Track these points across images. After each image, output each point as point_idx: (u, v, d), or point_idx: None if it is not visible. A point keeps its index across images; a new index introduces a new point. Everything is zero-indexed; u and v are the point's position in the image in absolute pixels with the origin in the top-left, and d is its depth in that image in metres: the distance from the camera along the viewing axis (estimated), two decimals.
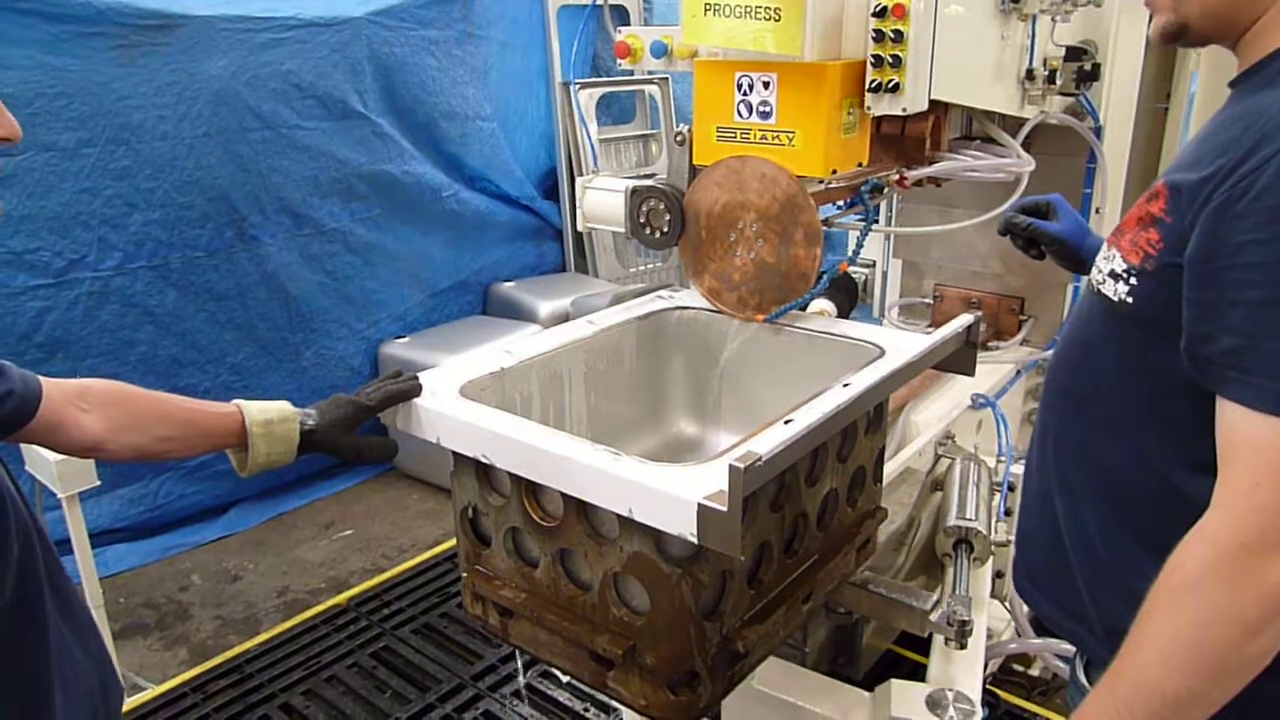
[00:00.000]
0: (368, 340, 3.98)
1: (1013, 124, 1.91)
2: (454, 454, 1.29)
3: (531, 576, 1.29)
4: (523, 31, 4.53)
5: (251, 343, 3.56)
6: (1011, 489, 2.09)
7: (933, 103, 1.53)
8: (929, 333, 1.48)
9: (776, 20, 1.38)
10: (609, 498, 1.08)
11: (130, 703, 2.54)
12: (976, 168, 1.76)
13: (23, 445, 2.11)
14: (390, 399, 1.29)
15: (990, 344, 2.39)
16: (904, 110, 1.47)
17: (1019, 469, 2.07)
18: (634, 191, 1.64)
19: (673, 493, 1.01)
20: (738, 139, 1.50)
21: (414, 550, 3.44)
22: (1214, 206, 0.91)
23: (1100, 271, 1.11)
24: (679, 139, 1.59)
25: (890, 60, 1.44)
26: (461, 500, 1.34)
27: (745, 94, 1.48)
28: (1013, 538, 1.75)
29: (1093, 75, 2.06)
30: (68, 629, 1.05)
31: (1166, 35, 1.09)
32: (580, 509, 1.17)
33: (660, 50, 1.67)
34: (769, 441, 1.04)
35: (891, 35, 1.43)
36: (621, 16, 4.77)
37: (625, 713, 1.83)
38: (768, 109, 1.46)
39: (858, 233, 1.66)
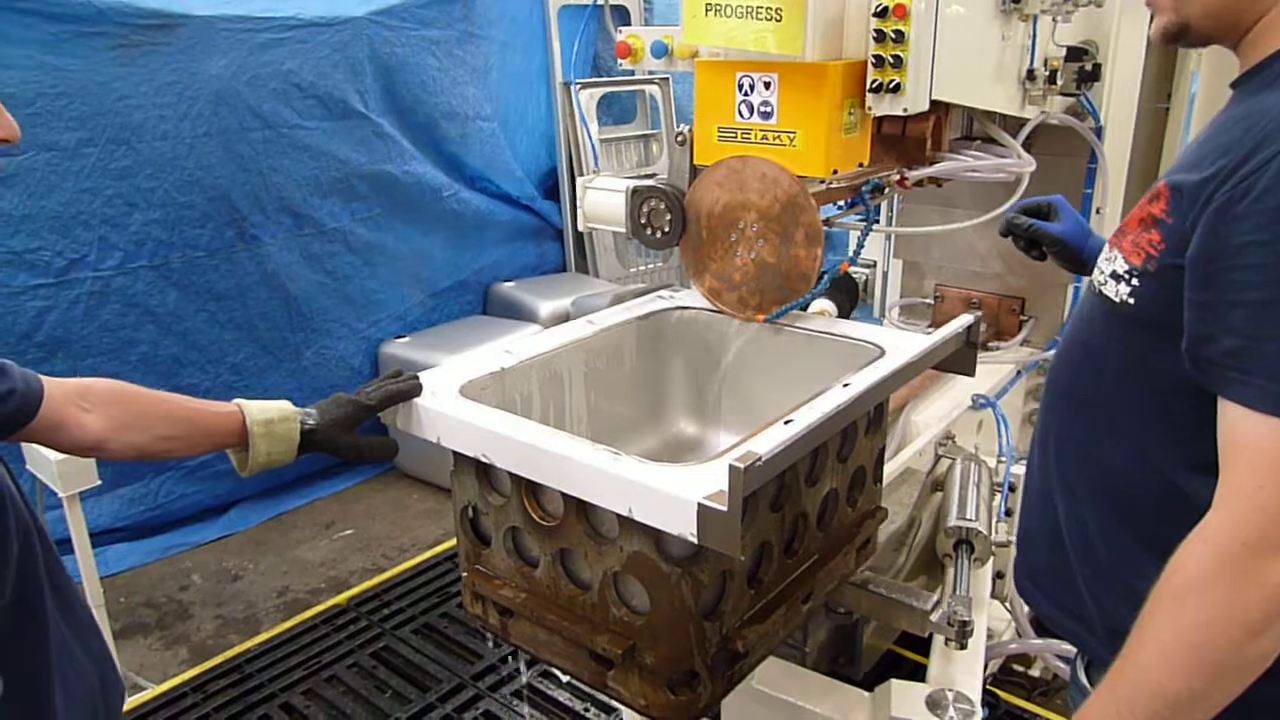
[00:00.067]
0: (368, 340, 3.98)
1: (1013, 124, 1.91)
2: (454, 453, 1.29)
3: (531, 576, 1.29)
4: (523, 31, 4.53)
5: (252, 342, 3.57)
6: (1012, 489, 2.09)
7: (933, 103, 1.53)
8: (929, 333, 1.48)
9: (777, 20, 1.38)
10: (609, 497, 1.08)
11: (131, 702, 2.54)
12: (977, 168, 1.76)
13: (24, 444, 2.12)
14: (390, 398, 1.29)
15: (991, 344, 2.39)
16: (905, 110, 1.47)
17: (1019, 469, 2.07)
18: (635, 191, 1.64)
19: (673, 492, 1.01)
20: (739, 139, 1.50)
21: (414, 550, 3.44)
22: (1215, 207, 0.91)
23: (1102, 273, 1.11)
24: (680, 139, 1.59)
25: (891, 60, 1.44)
26: (461, 500, 1.34)
27: (746, 94, 1.48)
28: (1013, 538, 1.75)
29: (1093, 75, 2.06)
30: (68, 628, 1.05)
31: (1168, 36, 1.09)
32: (580, 509, 1.17)
33: (661, 50, 1.67)
34: (769, 441, 1.04)
35: (892, 35, 1.43)
36: (622, 16, 4.78)
37: (625, 712, 1.83)
38: (769, 109, 1.46)
39: (858, 233, 1.66)
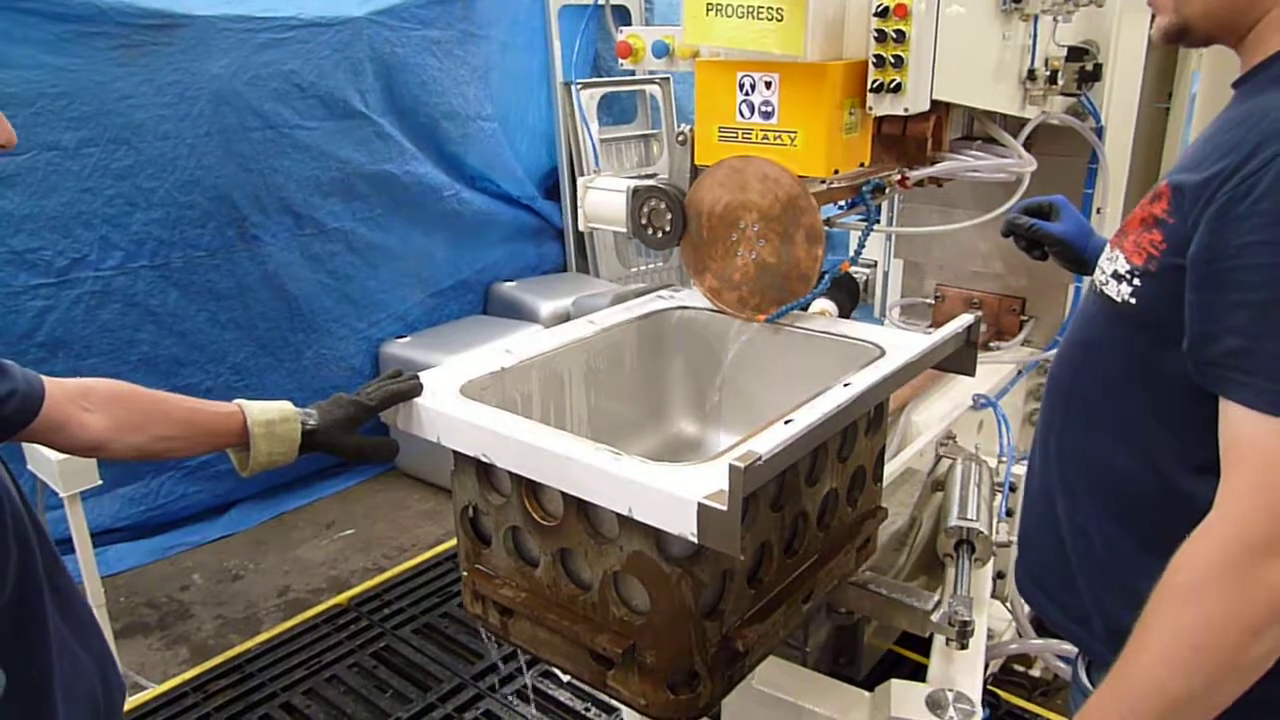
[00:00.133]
0: (369, 340, 3.98)
1: (1014, 124, 1.91)
2: (454, 453, 1.29)
3: (531, 576, 1.29)
4: (524, 31, 4.53)
5: (252, 342, 3.57)
6: (1013, 489, 2.09)
7: (934, 103, 1.53)
8: (930, 333, 1.48)
9: (778, 20, 1.38)
10: (609, 497, 1.08)
11: (131, 702, 2.55)
12: (978, 168, 1.76)
13: (25, 444, 2.12)
14: (391, 398, 1.29)
15: (991, 344, 2.39)
16: (906, 110, 1.47)
17: (1020, 469, 2.07)
18: (635, 191, 1.64)
19: (673, 492, 1.01)
20: (739, 139, 1.50)
21: (415, 550, 3.44)
22: (1216, 207, 0.91)
23: (1103, 273, 1.11)
24: (680, 139, 1.59)
25: (892, 60, 1.44)
26: (462, 499, 1.34)
27: (747, 94, 1.48)
28: (1014, 538, 1.75)
29: (1094, 75, 2.06)
30: (68, 628, 1.06)
31: (1169, 36, 1.09)
32: (580, 508, 1.17)
33: (662, 50, 1.67)
34: (769, 441, 1.04)
35: (893, 35, 1.43)
36: (623, 16, 4.77)
37: (625, 712, 1.83)
38: (769, 109, 1.46)
39: (859, 233, 1.66)
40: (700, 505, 0.98)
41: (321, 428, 1.27)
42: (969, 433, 2.24)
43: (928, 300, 2.57)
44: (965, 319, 1.48)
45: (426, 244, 4.16)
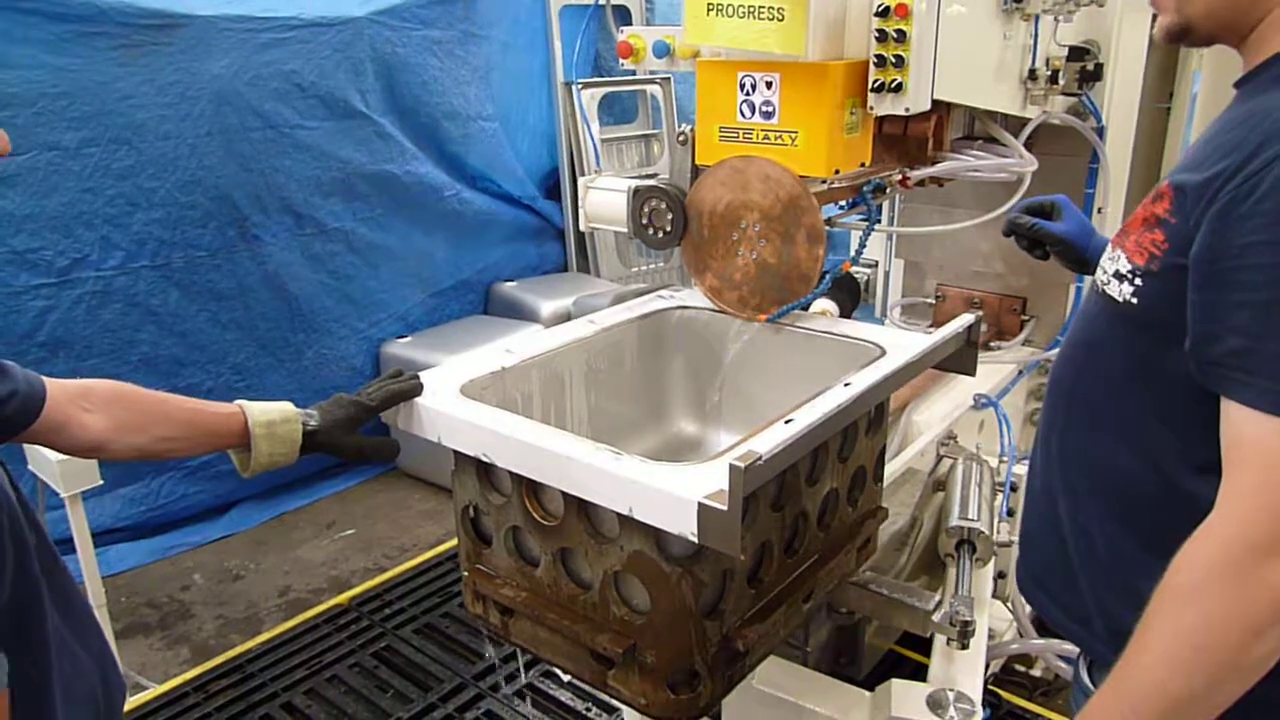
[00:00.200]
0: (369, 340, 3.98)
1: (1015, 124, 1.91)
2: (455, 453, 1.29)
3: (532, 575, 1.29)
4: (524, 31, 4.53)
5: (253, 342, 3.57)
6: (1014, 489, 2.09)
7: (935, 102, 1.53)
8: (930, 333, 1.48)
9: (779, 20, 1.38)
10: (609, 497, 1.08)
11: (132, 702, 2.55)
12: (979, 168, 1.75)
13: (25, 445, 2.12)
14: (392, 398, 1.29)
15: (992, 344, 2.39)
16: (906, 110, 1.47)
17: (1021, 469, 2.07)
18: (636, 191, 1.64)
19: (673, 492, 1.01)
20: (740, 139, 1.50)
21: (415, 550, 3.44)
22: (1219, 207, 0.91)
23: (1105, 272, 1.10)
24: (681, 139, 1.59)
25: (893, 60, 1.44)
26: (462, 499, 1.34)
27: (748, 94, 1.48)
28: (1015, 538, 1.75)
29: (1095, 75, 2.06)
30: (67, 628, 1.05)
31: (1171, 35, 1.09)
32: (581, 508, 1.17)
33: (662, 50, 1.67)
34: (769, 441, 1.04)
35: (894, 35, 1.43)
36: (624, 16, 4.77)
37: (626, 712, 1.83)
38: (770, 109, 1.46)
39: (860, 232, 1.66)
40: (700, 505, 0.98)
41: (322, 428, 1.27)
42: (970, 432, 2.24)
43: (929, 300, 2.57)
44: (966, 319, 1.48)
45: (427, 244, 4.16)
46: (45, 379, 1.10)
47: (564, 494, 1.17)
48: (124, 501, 3.35)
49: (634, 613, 1.18)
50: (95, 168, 3.02)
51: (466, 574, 1.38)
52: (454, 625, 2.89)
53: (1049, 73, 1.88)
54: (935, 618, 1.50)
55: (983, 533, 1.77)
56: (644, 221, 1.65)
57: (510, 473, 1.22)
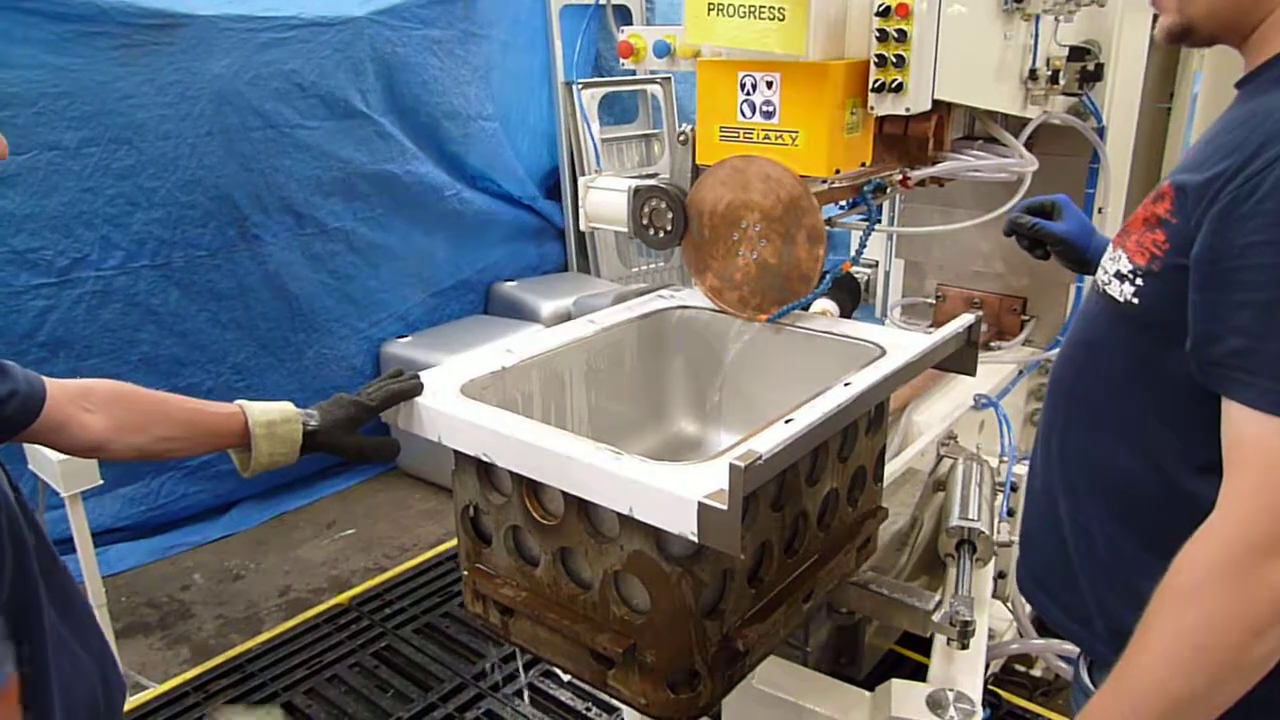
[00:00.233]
0: (370, 340, 3.98)
1: (1016, 124, 1.91)
2: (455, 453, 1.29)
3: (532, 575, 1.29)
4: (525, 31, 4.53)
5: (253, 342, 3.57)
6: (1014, 489, 2.09)
7: (936, 102, 1.53)
8: (930, 333, 1.48)
9: (780, 20, 1.38)
10: (609, 496, 1.08)
11: (132, 702, 2.55)
12: (979, 168, 1.75)
13: (26, 445, 2.12)
14: (392, 398, 1.29)
15: (992, 344, 2.39)
16: (907, 110, 1.47)
17: (1021, 469, 2.07)
18: (637, 191, 1.64)
19: (673, 491, 1.01)
20: (740, 139, 1.50)
21: (416, 550, 3.44)
22: (1220, 207, 0.91)
23: (1106, 272, 1.10)
24: (682, 139, 1.59)
25: (894, 60, 1.44)
26: (462, 499, 1.34)
27: (748, 94, 1.48)
28: (1015, 538, 1.75)
29: (1096, 75, 2.06)
30: (67, 628, 1.05)
31: (1172, 36, 1.09)
32: (581, 508, 1.17)
33: (663, 50, 1.67)
34: (769, 440, 1.04)
35: (895, 35, 1.43)
36: (624, 16, 4.77)
37: (626, 711, 1.83)
38: (771, 109, 1.46)
39: (860, 232, 1.66)
40: (700, 504, 0.98)
41: (322, 428, 1.27)
42: (970, 433, 2.24)
43: (929, 300, 2.57)
44: (966, 318, 1.48)
45: (427, 244, 4.16)
46: (45, 379, 1.10)
47: (564, 493, 1.17)
48: (124, 501, 3.35)
49: (634, 612, 1.18)
50: (95, 167, 3.02)
51: (466, 574, 1.38)
52: (454, 625, 2.89)
53: (1049, 73, 1.88)
54: (935, 618, 1.50)
55: (983, 533, 1.77)
56: (644, 221, 1.65)
57: (510, 472, 1.22)
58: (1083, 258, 1.56)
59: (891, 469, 1.89)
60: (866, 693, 1.56)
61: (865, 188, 1.61)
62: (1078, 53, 2.02)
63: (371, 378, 1.27)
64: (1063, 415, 1.20)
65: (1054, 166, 2.06)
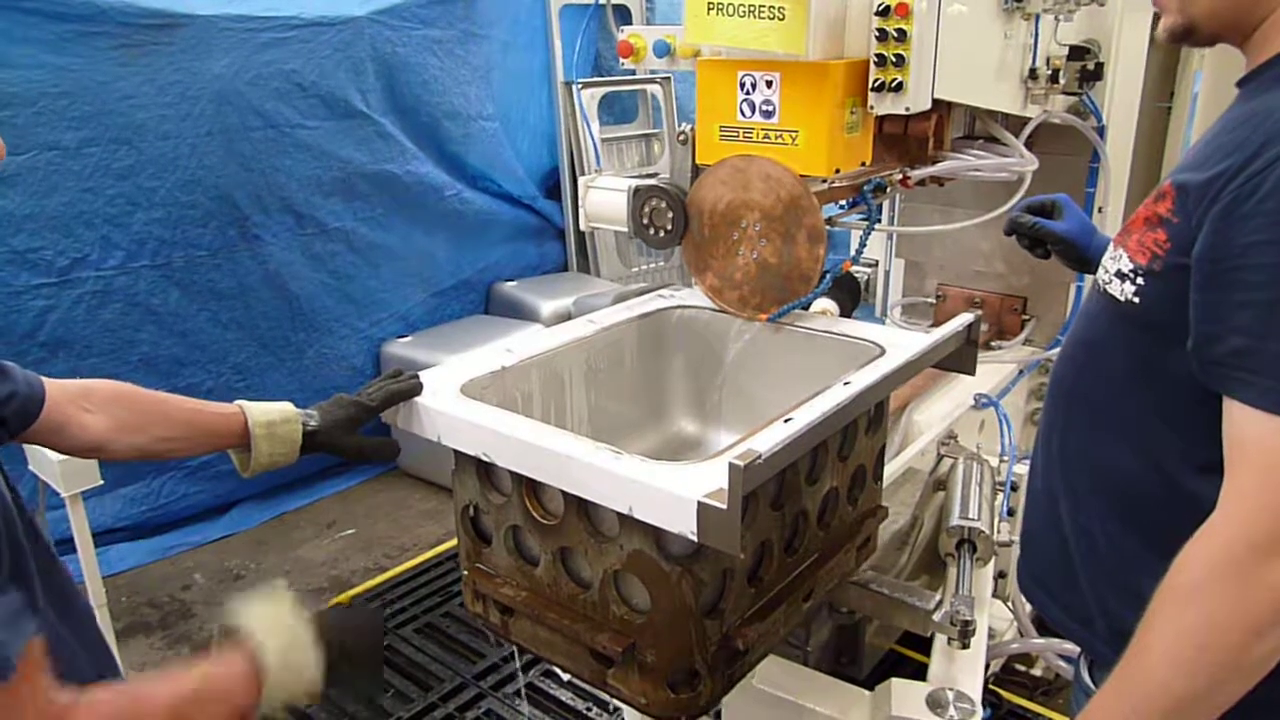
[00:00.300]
0: (370, 340, 3.98)
1: (1016, 123, 1.90)
2: (455, 452, 1.29)
3: (532, 574, 1.29)
4: (525, 31, 4.53)
5: (254, 342, 3.57)
6: (1014, 488, 2.09)
7: (936, 102, 1.53)
8: (930, 332, 1.47)
9: (780, 19, 1.38)
10: (609, 496, 1.08)
11: None
12: (979, 167, 1.75)
13: (26, 445, 2.12)
14: (392, 398, 1.29)
15: (993, 343, 2.39)
16: (907, 109, 1.47)
17: (1021, 469, 2.07)
18: (637, 191, 1.64)
19: (673, 491, 1.01)
20: (740, 138, 1.50)
21: (416, 550, 3.44)
22: (1221, 207, 0.91)
23: (1107, 271, 1.10)
24: (682, 138, 1.59)
25: (893, 59, 1.44)
26: (462, 498, 1.34)
27: (748, 93, 1.47)
28: (1015, 538, 1.74)
29: (1096, 74, 2.06)
30: (67, 629, 1.05)
31: (1174, 35, 1.08)
32: (581, 507, 1.17)
33: (663, 49, 1.67)
34: (769, 440, 1.04)
35: (895, 34, 1.43)
36: (624, 16, 4.77)
37: (627, 711, 1.83)
38: (771, 108, 1.46)
39: (860, 232, 1.66)
40: (700, 504, 0.98)
41: (322, 428, 1.27)
42: (970, 432, 2.24)
43: (929, 300, 2.57)
44: (965, 318, 1.48)
45: (428, 244, 4.16)
46: (45, 379, 1.10)
47: (564, 493, 1.17)
48: (124, 501, 3.35)
49: (634, 612, 1.18)
50: (95, 167, 3.02)
51: (466, 573, 1.38)
52: (454, 625, 2.89)
53: (1049, 72, 1.88)
54: (936, 617, 1.50)
55: (983, 532, 1.76)
56: (644, 221, 1.65)
57: (510, 472, 1.22)
58: (1083, 257, 1.56)
59: (892, 468, 1.89)
60: (866, 692, 1.56)
61: (865, 187, 1.61)
62: (1078, 52, 2.01)
63: (372, 378, 1.27)
64: (1063, 415, 1.20)
65: (1054, 166, 2.06)
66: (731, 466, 0.96)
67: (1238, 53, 1.07)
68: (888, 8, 1.43)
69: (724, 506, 0.97)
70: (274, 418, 1.24)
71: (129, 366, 3.22)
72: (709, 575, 1.13)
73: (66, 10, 2.86)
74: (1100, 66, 2.06)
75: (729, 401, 1.65)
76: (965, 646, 1.52)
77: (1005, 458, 2.17)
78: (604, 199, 1.75)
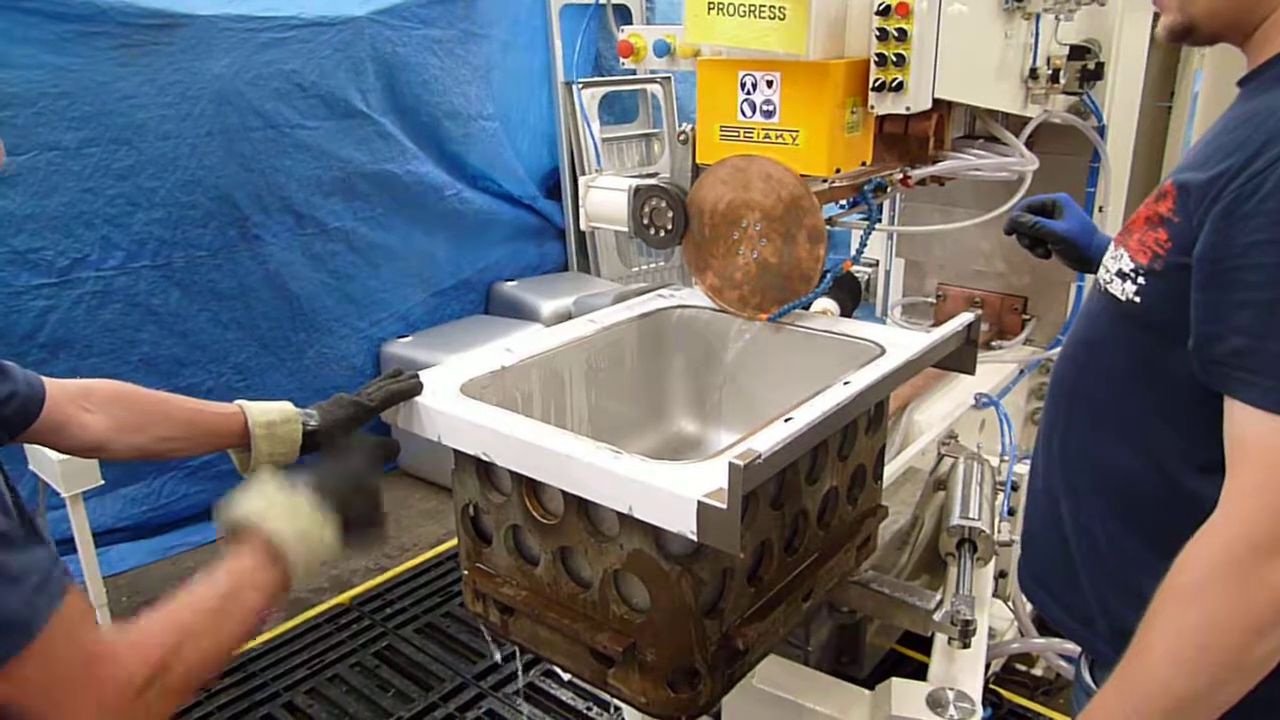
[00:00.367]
0: (370, 339, 3.98)
1: (1016, 123, 1.90)
2: (455, 452, 1.29)
3: (532, 574, 1.29)
4: (525, 31, 4.53)
5: (254, 342, 3.57)
6: (1014, 488, 2.09)
7: (936, 101, 1.52)
8: (930, 332, 1.47)
9: (780, 19, 1.38)
10: (609, 495, 1.08)
11: None
12: (980, 167, 1.75)
13: (26, 445, 2.12)
14: (391, 398, 1.29)
15: (993, 343, 2.39)
16: (907, 109, 1.47)
17: (1022, 468, 2.07)
18: (637, 190, 1.64)
19: (673, 490, 1.01)
20: (741, 138, 1.50)
21: (416, 549, 3.44)
22: (1222, 206, 0.91)
23: (1108, 271, 1.10)
24: (682, 138, 1.59)
25: (894, 59, 1.44)
26: (462, 498, 1.34)
27: (749, 93, 1.47)
28: (1016, 537, 1.74)
29: (1096, 74, 2.06)
30: None
31: (1174, 34, 1.08)
32: (581, 507, 1.17)
33: (663, 49, 1.67)
34: (769, 439, 1.04)
35: (895, 34, 1.43)
36: (624, 15, 4.76)
37: (627, 711, 1.83)
38: (771, 108, 1.46)
39: (861, 232, 1.66)
40: (700, 503, 0.98)
41: (322, 428, 1.27)
42: (971, 432, 2.24)
43: (929, 299, 2.57)
44: (965, 317, 1.48)
45: (428, 243, 4.16)
46: (45, 379, 1.10)
47: (564, 493, 1.17)
48: (125, 501, 3.35)
49: (634, 611, 1.18)
50: (96, 168, 3.02)
51: (467, 573, 1.38)
52: (455, 624, 2.89)
53: (1050, 72, 1.88)
54: (936, 617, 1.50)
55: (984, 532, 1.76)
56: (645, 221, 1.65)
57: (510, 471, 1.22)
58: (1084, 256, 1.56)
59: (892, 468, 1.89)
60: (866, 691, 1.56)
61: (866, 187, 1.61)
62: (1078, 51, 2.01)
63: (372, 378, 1.27)
64: (1064, 414, 1.20)
65: (1054, 165, 2.06)
66: (731, 466, 0.96)
67: (1238, 52, 1.06)
68: (888, 7, 1.43)
69: (724, 506, 0.97)
70: (274, 417, 1.24)
71: (129, 367, 3.22)
72: (709, 575, 1.13)
73: (66, 10, 2.86)
74: (1101, 66, 2.06)
75: (729, 401, 1.65)
76: (966, 646, 1.52)
77: (1006, 457, 2.17)
78: (604, 199, 1.75)
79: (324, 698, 2.59)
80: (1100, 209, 2.23)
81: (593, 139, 4.55)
